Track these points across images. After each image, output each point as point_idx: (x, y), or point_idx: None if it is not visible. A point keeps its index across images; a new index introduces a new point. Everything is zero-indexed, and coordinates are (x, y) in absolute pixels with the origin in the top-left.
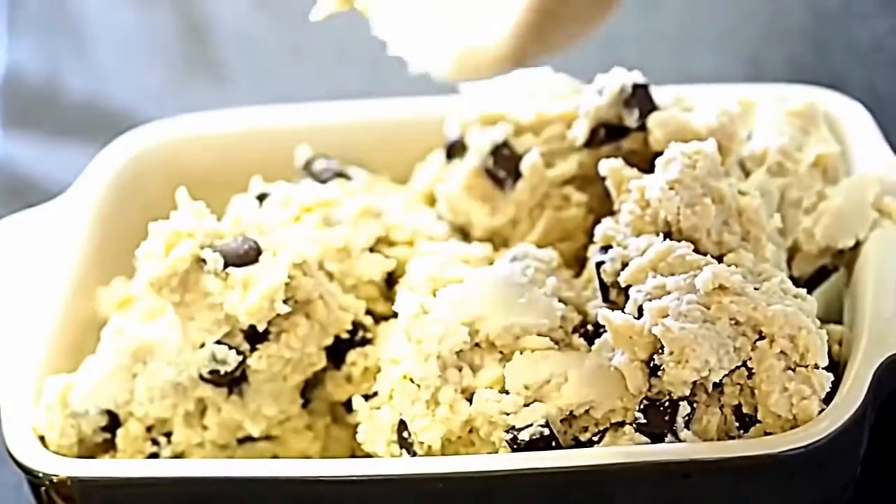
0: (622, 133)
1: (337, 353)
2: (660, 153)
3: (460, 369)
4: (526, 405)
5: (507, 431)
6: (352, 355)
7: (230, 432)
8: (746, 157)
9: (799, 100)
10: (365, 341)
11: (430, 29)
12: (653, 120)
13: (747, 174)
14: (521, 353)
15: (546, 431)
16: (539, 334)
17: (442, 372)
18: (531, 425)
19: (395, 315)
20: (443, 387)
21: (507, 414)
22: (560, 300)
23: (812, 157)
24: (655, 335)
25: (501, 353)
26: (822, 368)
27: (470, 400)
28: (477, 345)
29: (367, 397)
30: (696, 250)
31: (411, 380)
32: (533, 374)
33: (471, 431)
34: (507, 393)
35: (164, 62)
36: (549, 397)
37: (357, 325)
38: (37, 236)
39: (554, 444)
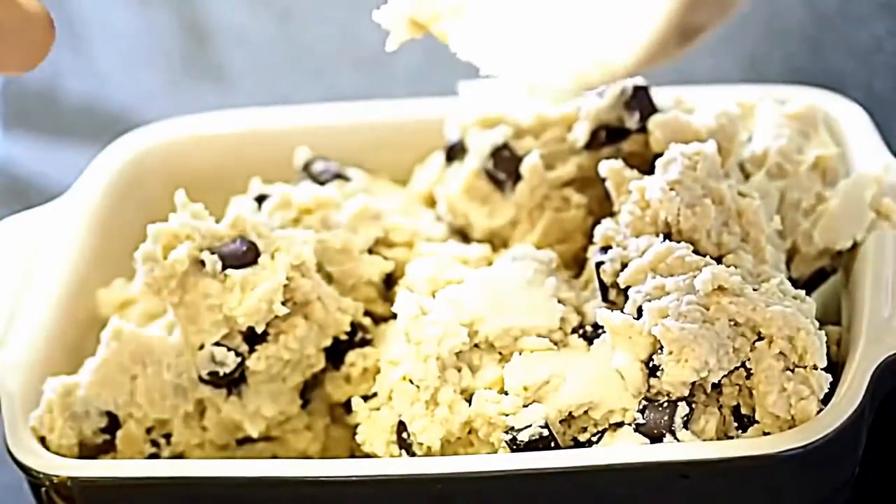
0: (622, 135)
1: (336, 354)
2: (660, 155)
3: (459, 370)
4: (525, 406)
5: (507, 432)
6: (351, 356)
7: (229, 433)
8: (746, 159)
9: (798, 102)
10: (364, 342)
11: (525, 46)
12: (653, 122)
13: (747, 176)
14: (521, 353)
15: (545, 432)
16: (538, 335)
17: (441, 373)
18: (530, 426)
19: (394, 316)
20: (442, 388)
21: (506, 415)
22: (559, 301)
23: (811, 159)
24: (655, 335)
25: (500, 353)
26: (821, 369)
27: (469, 401)
28: (476, 346)
29: (366, 398)
30: (696, 251)
31: (410, 381)
32: (532, 374)
33: (470, 432)
34: (507, 394)
35: (163, 64)
36: (548, 398)
37: (356, 327)
38: (37, 237)
39: (553, 444)
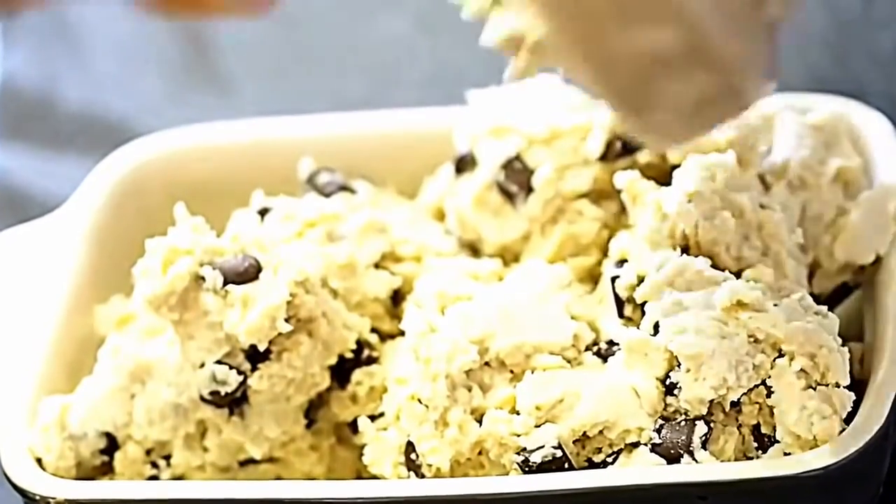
0: (639, 146)
1: (342, 372)
2: (677, 166)
3: (469, 389)
4: (537, 426)
5: (518, 453)
6: (357, 374)
7: (231, 454)
8: (766, 171)
9: (821, 112)
10: (371, 360)
11: None
12: None
13: (767, 188)
14: (533, 372)
15: (558, 453)
16: (551, 353)
17: (451, 392)
18: (543, 447)
19: (401, 333)
20: (451, 407)
21: (518, 435)
22: (572, 317)
23: (833, 170)
24: (672, 352)
25: (512, 372)
26: (844, 387)
27: (479, 421)
28: (487, 364)
29: (372, 418)
30: (715, 265)
31: (419, 400)
32: (545, 393)
33: (480, 453)
34: (518, 413)
35: (163, 72)
36: (562, 418)
37: (362, 344)
38: (33, 251)
39: (566, 465)
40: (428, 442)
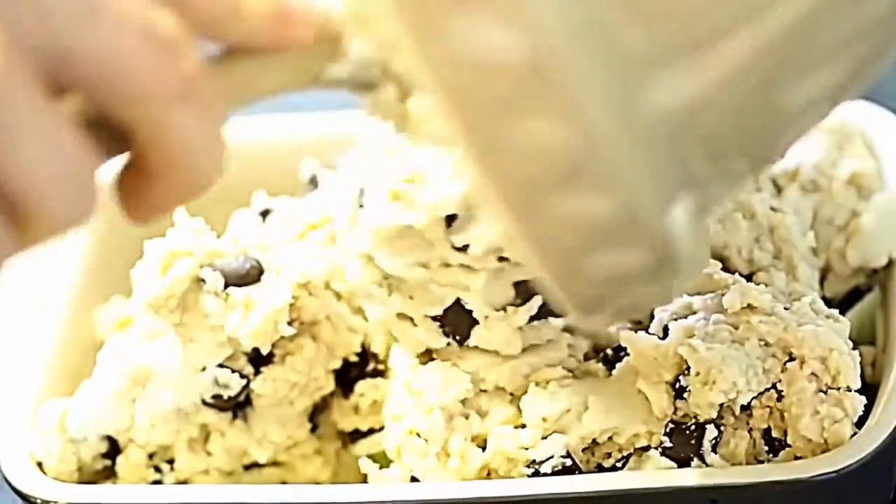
0: None
1: (346, 379)
2: None
3: (467, 417)
4: (544, 437)
5: (528, 466)
6: (361, 386)
7: (235, 459)
8: (778, 173)
9: (834, 115)
10: (376, 373)
11: None
12: None
13: (779, 190)
14: (537, 384)
15: (568, 462)
16: (549, 365)
17: (448, 423)
18: (552, 457)
19: None
20: (451, 437)
21: (526, 448)
22: (564, 329)
23: (846, 173)
24: (681, 356)
25: (511, 395)
26: (855, 391)
27: (482, 447)
28: (483, 390)
29: (372, 430)
30: (726, 268)
31: (417, 434)
32: (550, 405)
33: (489, 475)
34: (524, 426)
35: None
36: (570, 427)
37: (368, 354)
38: (31, 255)
39: (577, 473)
40: (432, 475)
